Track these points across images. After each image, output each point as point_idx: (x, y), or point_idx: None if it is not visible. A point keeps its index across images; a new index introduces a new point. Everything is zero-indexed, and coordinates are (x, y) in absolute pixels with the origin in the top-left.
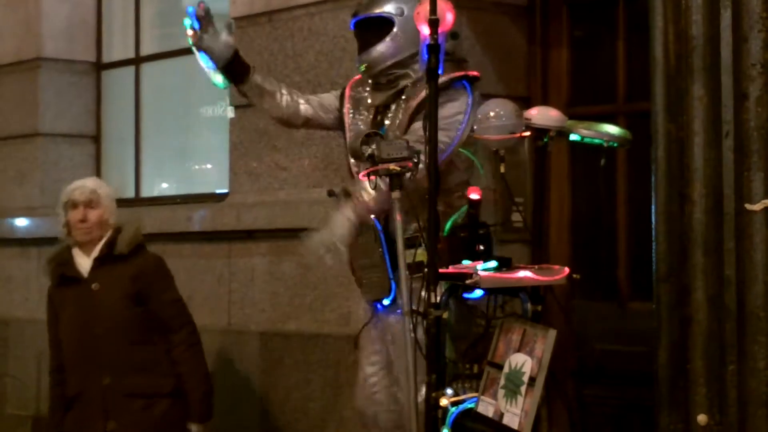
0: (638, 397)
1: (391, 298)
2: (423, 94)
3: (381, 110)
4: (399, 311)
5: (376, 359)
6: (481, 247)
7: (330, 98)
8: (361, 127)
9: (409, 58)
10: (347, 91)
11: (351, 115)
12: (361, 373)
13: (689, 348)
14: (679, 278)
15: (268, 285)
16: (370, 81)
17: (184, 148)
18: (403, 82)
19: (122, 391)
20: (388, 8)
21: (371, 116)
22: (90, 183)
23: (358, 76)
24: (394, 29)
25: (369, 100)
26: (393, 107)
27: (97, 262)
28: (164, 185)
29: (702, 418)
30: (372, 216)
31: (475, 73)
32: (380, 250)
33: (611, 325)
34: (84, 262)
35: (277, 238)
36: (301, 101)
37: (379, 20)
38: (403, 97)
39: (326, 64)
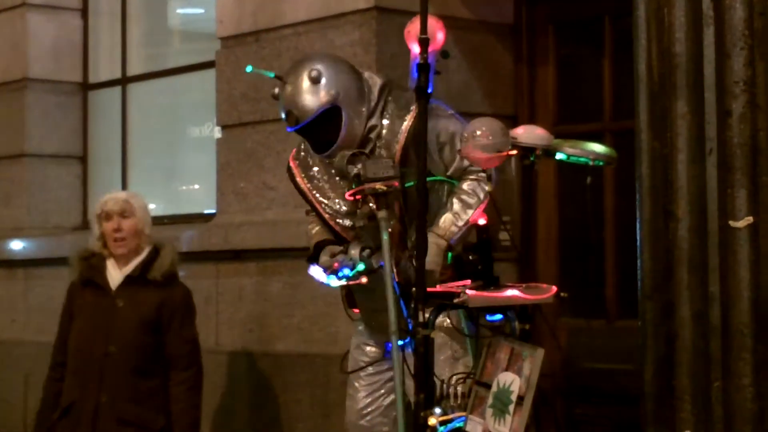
0: (628, 415)
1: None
2: (409, 118)
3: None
4: (409, 350)
5: (372, 380)
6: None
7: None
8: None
9: (369, 116)
10: (293, 165)
11: (308, 183)
12: (354, 394)
13: (675, 364)
14: (664, 295)
15: (256, 305)
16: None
17: (171, 168)
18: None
19: (115, 414)
20: (323, 99)
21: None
22: (122, 194)
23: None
24: (343, 114)
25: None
26: (369, 147)
27: (128, 279)
28: (152, 206)
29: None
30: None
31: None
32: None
33: (600, 343)
34: (116, 275)
35: (265, 258)
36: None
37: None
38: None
39: None
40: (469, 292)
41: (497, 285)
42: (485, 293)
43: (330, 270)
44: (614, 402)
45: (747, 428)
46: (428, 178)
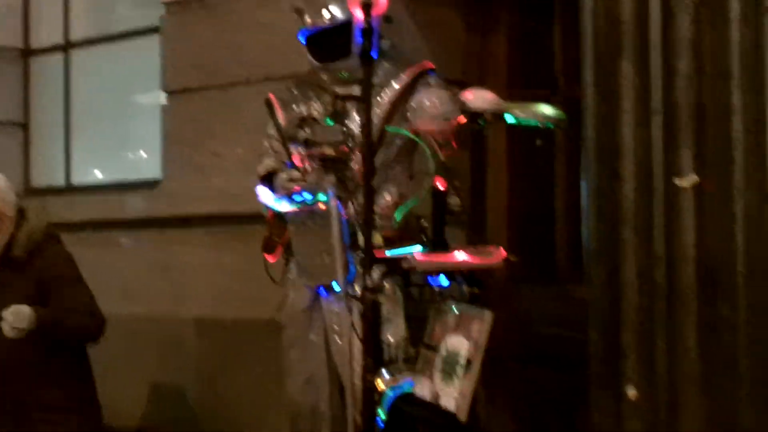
0: (580, 380)
1: (351, 278)
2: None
3: (340, 101)
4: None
5: (314, 349)
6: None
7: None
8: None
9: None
10: (275, 102)
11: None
12: (295, 363)
13: (620, 324)
14: (609, 256)
15: (206, 273)
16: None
17: (117, 135)
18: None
19: (30, 400)
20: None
21: (330, 106)
22: None
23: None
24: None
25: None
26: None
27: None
28: (97, 173)
29: (632, 392)
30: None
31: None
32: (339, 233)
33: (551, 308)
34: None
35: (213, 224)
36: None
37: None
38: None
39: (265, 53)
40: (417, 255)
41: (446, 249)
42: (433, 257)
43: (285, 192)
44: (565, 367)
45: (692, 389)
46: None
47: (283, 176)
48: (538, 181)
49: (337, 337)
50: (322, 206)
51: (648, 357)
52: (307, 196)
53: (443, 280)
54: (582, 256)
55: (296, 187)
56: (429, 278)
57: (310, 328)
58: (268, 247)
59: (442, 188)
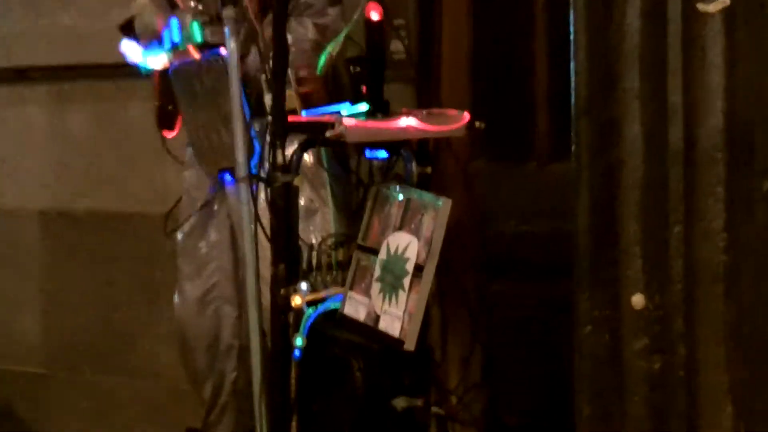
0: (560, 291)
1: (256, 156)
2: None
3: None
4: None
5: (213, 255)
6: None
7: None
8: None
9: None
10: None
11: None
12: (188, 274)
13: (619, 205)
14: (605, 109)
15: (50, 145)
16: None
17: None
18: None
19: None
20: None
21: None
22: None
23: None
24: None
25: None
26: None
27: None
28: None
29: (637, 300)
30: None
31: None
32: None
33: (526, 195)
34: None
35: (60, 79)
36: None
37: None
38: None
39: None
40: (347, 121)
41: (387, 112)
42: (370, 123)
43: (151, 37)
44: (542, 274)
45: (716, 288)
46: None
47: (144, 22)
48: (512, 18)
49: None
50: (196, 55)
51: (658, 252)
52: (176, 37)
53: (383, 155)
54: (569, 121)
55: (160, 23)
56: (365, 152)
57: (209, 227)
58: (164, 120)
59: (376, 18)
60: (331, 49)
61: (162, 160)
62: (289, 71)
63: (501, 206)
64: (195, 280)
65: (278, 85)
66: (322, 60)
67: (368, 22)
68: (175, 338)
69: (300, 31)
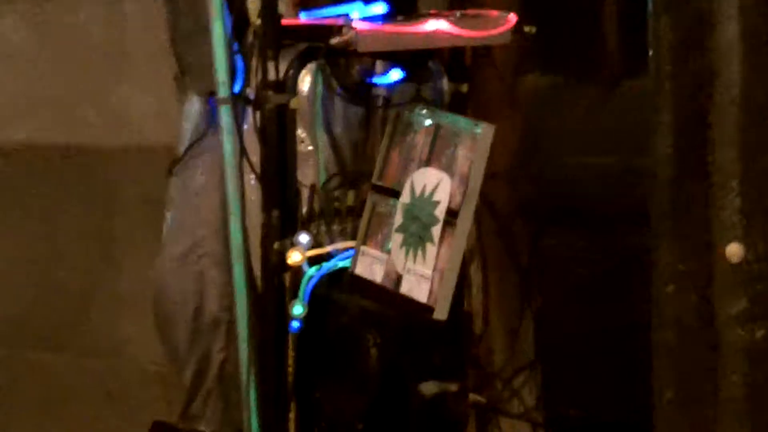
0: (633, 244)
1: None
2: None
3: None
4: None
5: (198, 203)
6: None
7: None
8: None
9: None
10: None
11: None
12: (171, 233)
13: (710, 127)
14: (692, 1)
15: None
16: None
17: None
18: None
19: None
20: None
21: None
22: None
23: None
24: None
25: None
26: None
27: None
28: None
29: (733, 250)
30: None
31: None
32: None
33: (591, 120)
34: None
35: None
36: None
37: None
38: None
39: None
40: (357, 23)
41: (410, 13)
42: (388, 27)
43: None
44: (612, 221)
45: None
46: None
47: None
48: None
49: None
50: None
51: (761, 187)
52: None
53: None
54: (645, 22)
55: None
56: (380, 67)
57: (198, 167)
58: None
59: None
60: None
61: (120, 79)
62: None
63: (558, 134)
64: (178, 234)
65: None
66: None
67: None
68: (148, 305)
69: None
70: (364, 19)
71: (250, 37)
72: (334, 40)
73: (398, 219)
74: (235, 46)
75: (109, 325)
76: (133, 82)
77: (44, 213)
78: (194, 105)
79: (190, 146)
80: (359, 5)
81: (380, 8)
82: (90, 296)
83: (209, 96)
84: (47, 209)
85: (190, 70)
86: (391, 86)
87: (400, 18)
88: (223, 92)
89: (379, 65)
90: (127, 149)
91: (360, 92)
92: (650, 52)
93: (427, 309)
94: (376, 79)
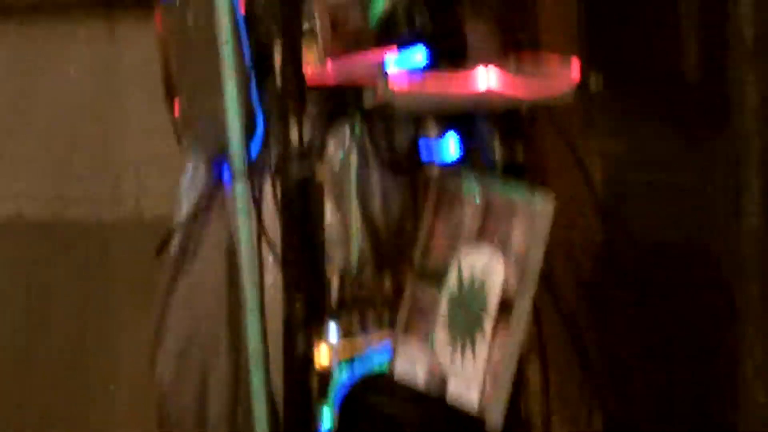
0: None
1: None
2: None
3: None
4: None
5: (200, 286)
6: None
7: None
8: None
9: None
10: None
11: None
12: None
13: None
14: None
15: None
16: None
17: None
18: None
19: None
20: None
21: None
22: None
23: None
24: None
25: None
26: None
27: None
28: None
29: None
30: None
31: None
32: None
33: (667, 190)
34: None
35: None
36: None
37: None
38: None
39: None
40: (395, 81)
41: (459, 59)
42: (430, 82)
43: None
44: (688, 311)
45: None
46: None
47: None
48: None
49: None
50: None
51: None
52: None
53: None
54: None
55: None
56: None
57: (200, 242)
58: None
59: None
60: None
61: (115, 134)
62: (317, 13)
63: (628, 202)
64: (177, 325)
65: (288, 21)
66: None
67: None
68: (151, 408)
69: None
70: (403, 69)
71: (272, 84)
72: (368, 102)
73: (443, 308)
74: (254, 97)
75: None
76: (130, 135)
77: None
78: (195, 171)
79: (190, 219)
80: (397, 53)
81: (420, 56)
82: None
83: (215, 160)
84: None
85: (193, 131)
86: (436, 150)
87: (444, 66)
88: (238, 167)
89: (421, 125)
90: (125, 222)
91: (400, 159)
92: (734, 106)
93: (478, 417)
94: (419, 144)
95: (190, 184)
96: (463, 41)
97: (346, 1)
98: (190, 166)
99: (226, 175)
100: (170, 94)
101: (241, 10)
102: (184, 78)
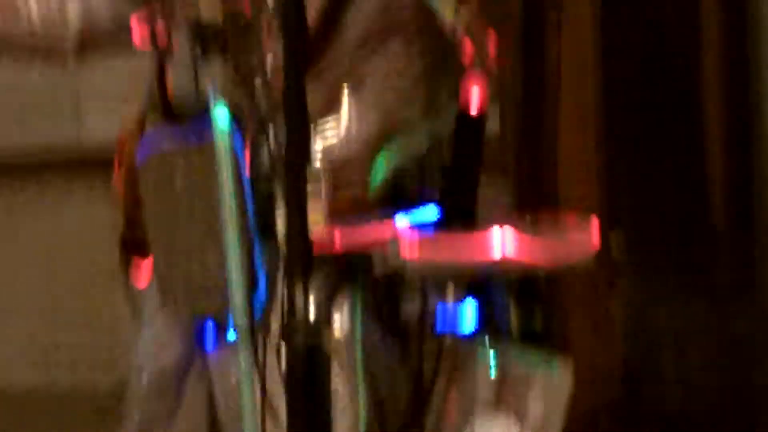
0: None
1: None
2: None
3: None
4: None
5: None
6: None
7: None
8: None
9: None
10: None
11: None
12: None
13: None
14: None
15: None
16: None
17: None
18: None
19: None
20: None
21: None
22: None
23: None
24: None
25: None
26: None
27: None
28: None
29: None
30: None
31: None
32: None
33: (696, 349)
34: None
35: None
36: None
37: None
38: None
39: None
40: (406, 242)
41: (472, 222)
42: (444, 249)
43: None
44: None
45: None
46: None
47: None
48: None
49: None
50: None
51: None
52: None
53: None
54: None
55: None
56: (431, 293)
57: (179, 406)
58: (133, 250)
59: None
60: (398, 155)
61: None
62: (322, 173)
63: (654, 363)
64: None
65: (293, 187)
66: (381, 170)
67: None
68: None
69: (347, 124)
70: (413, 231)
71: (275, 249)
72: (378, 271)
73: None
74: (257, 261)
75: None
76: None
77: None
78: (162, 336)
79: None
80: (406, 215)
81: (430, 216)
82: None
83: (199, 320)
84: None
85: (173, 286)
86: (449, 318)
87: (456, 226)
88: (240, 317)
89: (433, 292)
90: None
91: (410, 328)
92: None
93: None
94: (430, 312)
95: (155, 351)
96: (475, 200)
97: (348, 162)
98: (149, 333)
99: (210, 338)
100: (130, 250)
101: (247, 173)
102: (164, 236)
